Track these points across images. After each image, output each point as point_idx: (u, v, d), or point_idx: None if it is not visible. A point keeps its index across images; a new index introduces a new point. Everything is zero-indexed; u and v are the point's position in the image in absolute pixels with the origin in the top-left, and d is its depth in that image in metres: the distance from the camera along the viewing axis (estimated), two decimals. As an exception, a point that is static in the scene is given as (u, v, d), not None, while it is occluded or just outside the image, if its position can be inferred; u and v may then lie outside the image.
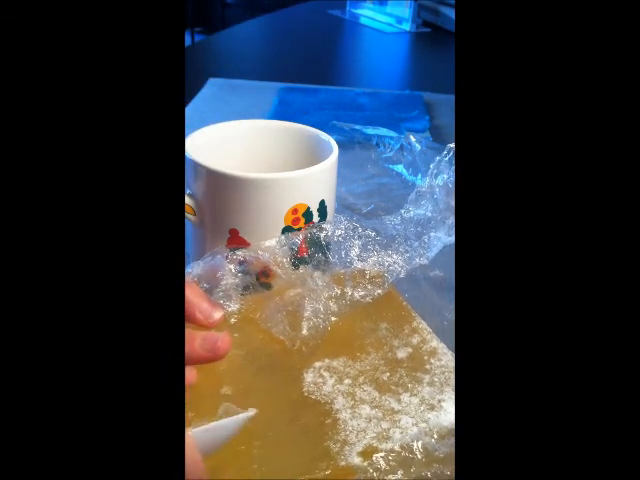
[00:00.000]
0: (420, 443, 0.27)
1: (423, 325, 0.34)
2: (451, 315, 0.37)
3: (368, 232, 0.35)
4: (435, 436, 0.27)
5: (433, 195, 0.37)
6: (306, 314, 0.32)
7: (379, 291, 0.34)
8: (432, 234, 0.35)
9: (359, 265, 0.35)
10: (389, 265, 0.34)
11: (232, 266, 0.33)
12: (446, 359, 0.31)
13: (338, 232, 0.35)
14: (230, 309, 0.32)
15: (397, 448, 0.26)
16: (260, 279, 0.35)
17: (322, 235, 0.36)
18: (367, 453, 0.26)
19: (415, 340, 0.32)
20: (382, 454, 0.26)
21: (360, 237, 0.35)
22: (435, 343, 0.32)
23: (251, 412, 0.27)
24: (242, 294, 0.33)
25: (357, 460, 0.26)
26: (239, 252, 0.34)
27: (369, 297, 0.34)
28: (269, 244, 0.35)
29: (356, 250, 0.35)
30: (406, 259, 0.35)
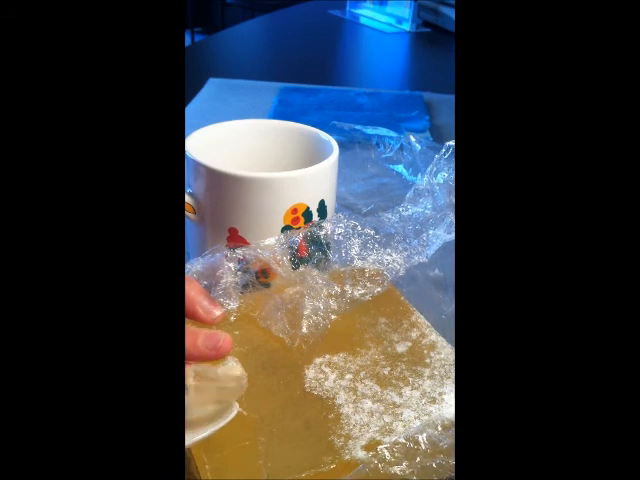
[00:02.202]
0: (425, 435, 0.27)
1: (422, 319, 0.34)
2: (449, 309, 0.37)
3: (367, 230, 0.36)
4: (439, 428, 0.27)
5: (433, 193, 0.37)
6: (306, 312, 0.32)
7: (379, 289, 0.34)
8: (431, 232, 0.35)
9: (359, 263, 0.35)
10: (388, 263, 0.34)
11: (232, 264, 0.33)
12: (445, 352, 0.31)
13: (338, 230, 0.36)
14: (230, 307, 0.33)
15: (402, 440, 0.27)
16: (260, 279, 0.35)
17: (322, 234, 0.36)
18: (371, 447, 0.26)
19: (414, 334, 0.33)
20: (387, 445, 0.26)
21: (360, 235, 0.35)
22: (434, 337, 0.32)
23: (235, 410, 0.27)
24: (242, 292, 0.33)
25: (361, 454, 0.26)
26: (238, 250, 0.34)
27: (369, 295, 0.34)
28: (268, 243, 0.35)
29: (356, 249, 0.35)
30: (405, 257, 0.35)
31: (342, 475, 0.26)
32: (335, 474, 0.26)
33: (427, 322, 0.33)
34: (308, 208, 0.38)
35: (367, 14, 1.47)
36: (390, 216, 0.37)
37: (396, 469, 0.26)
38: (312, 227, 0.36)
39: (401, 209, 0.38)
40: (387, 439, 0.27)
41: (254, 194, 0.36)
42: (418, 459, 0.26)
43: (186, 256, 0.39)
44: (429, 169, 0.38)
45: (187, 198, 0.39)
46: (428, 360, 0.31)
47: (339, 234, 0.36)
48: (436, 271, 0.40)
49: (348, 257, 0.35)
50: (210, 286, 0.33)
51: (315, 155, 0.41)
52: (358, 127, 0.66)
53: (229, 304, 0.33)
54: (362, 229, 0.36)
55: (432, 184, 0.37)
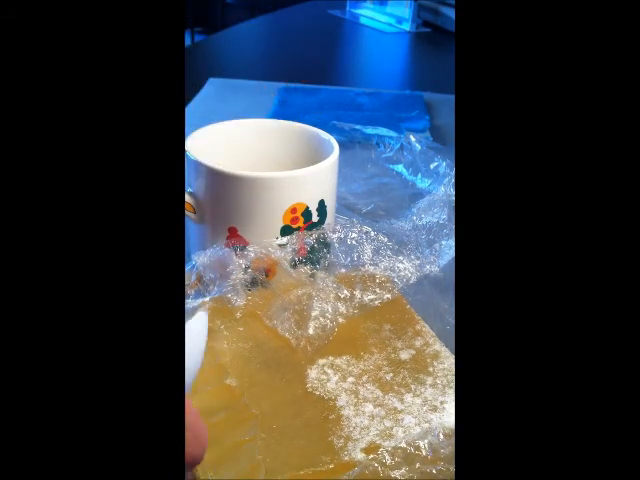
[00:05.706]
0: (426, 441, 0.27)
1: (426, 329, 0.34)
2: (454, 320, 0.37)
3: (381, 237, 0.36)
4: (440, 436, 0.27)
5: (451, 204, 0.37)
6: (314, 314, 0.32)
7: (388, 296, 0.34)
8: (444, 242, 0.36)
9: (370, 269, 0.35)
10: (399, 271, 0.35)
11: (242, 261, 0.34)
12: (449, 362, 0.31)
13: (352, 235, 0.36)
14: (237, 303, 0.33)
15: (403, 445, 0.27)
16: (260, 278, 0.35)
17: (328, 237, 0.36)
18: (370, 450, 0.26)
19: (418, 343, 0.33)
20: (388, 449, 0.26)
21: (373, 241, 0.36)
22: (438, 347, 0.32)
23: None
24: (249, 289, 0.34)
25: (360, 456, 0.26)
26: (250, 248, 0.35)
27: (378, 301, 0.34)
28: (269, 243, 0.35)
29: (368, 254, 0.35)
30: (417, 266, 0.35)
31: (340, 475, 0.26)
32: (333, 474, 0.26)
33: (432, 332, 0.34)
34: (307, 208, 0.38)
35: (367, 14, 1.47)
36: (403, 224, 0.38)
37: (396, 473, 0.26)
38: (320, 230, 0.36)
39: (415, 218, 0.38)
40: (387, 443, 0.27)
41: (254, 193, 0.36)
42: (418, 464, 0.26)
43: (186, 255, 0.39)
44: (447, 180, 0.38)
45: (187, 197, 0.39)
46: (431, 369, 0.31)
47: (352, 239, 0.36)
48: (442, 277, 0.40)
49: (360, 262, 0.35)
50: (216, 279, 0.33)
51: (315, 155, 0.41)
52: (358, 127, 0.66)
53: (236, 300, 0.33)
54: (375, 235, 0.36)
55: (449, 194, 0.37)
